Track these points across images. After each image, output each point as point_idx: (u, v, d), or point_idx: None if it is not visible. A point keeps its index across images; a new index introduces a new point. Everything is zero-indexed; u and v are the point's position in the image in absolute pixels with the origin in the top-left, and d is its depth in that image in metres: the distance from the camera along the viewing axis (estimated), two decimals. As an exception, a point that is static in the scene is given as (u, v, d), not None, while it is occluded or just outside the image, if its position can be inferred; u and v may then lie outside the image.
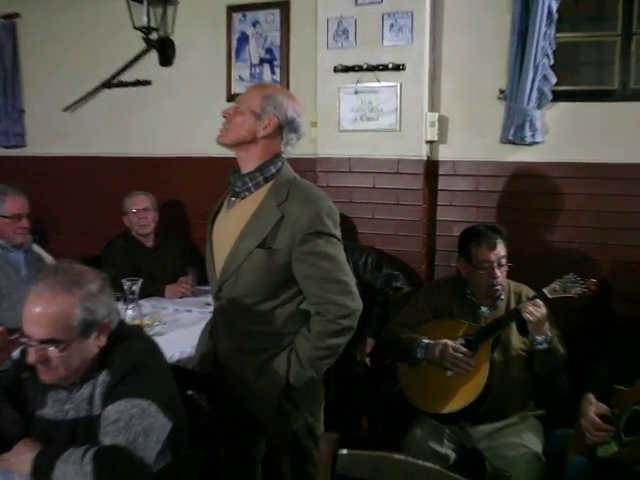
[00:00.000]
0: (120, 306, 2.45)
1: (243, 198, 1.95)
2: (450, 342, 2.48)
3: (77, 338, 1.58)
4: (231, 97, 3.89)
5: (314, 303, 1.89)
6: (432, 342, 2.51)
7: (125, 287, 2.64)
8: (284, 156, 1.99)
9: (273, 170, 1.93)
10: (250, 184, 1.93)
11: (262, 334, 1.95)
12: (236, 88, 3.90)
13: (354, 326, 1.89)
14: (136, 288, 2.65)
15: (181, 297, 3.38)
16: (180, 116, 4.16)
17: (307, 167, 3.62)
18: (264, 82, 1.84)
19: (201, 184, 4.02)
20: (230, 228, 1.95)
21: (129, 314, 2.60)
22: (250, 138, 1.91)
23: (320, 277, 1.85)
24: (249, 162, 1.94)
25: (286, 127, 1.92)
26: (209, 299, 3.09)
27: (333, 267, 1.85)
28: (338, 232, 1.91)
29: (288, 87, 3.79)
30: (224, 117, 1.96)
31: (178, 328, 2.83)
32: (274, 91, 1.94)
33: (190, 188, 4.13)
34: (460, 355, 2.44)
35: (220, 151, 2.02)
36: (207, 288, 3.32)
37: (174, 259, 3.75)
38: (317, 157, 3.56)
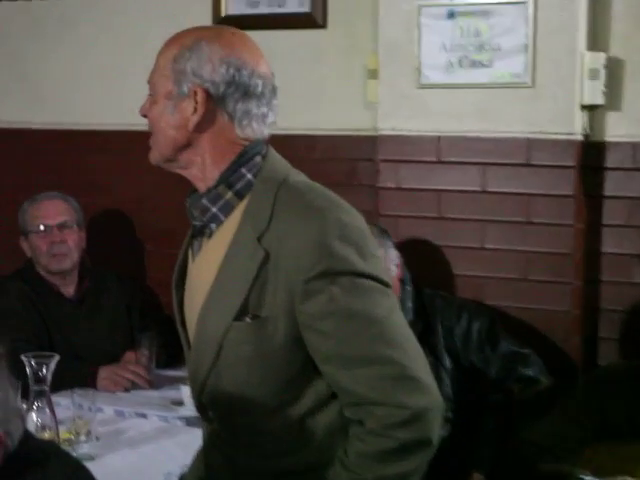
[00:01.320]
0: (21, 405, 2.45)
1: (210, 236, 2.08)
2: None
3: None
4: (221, 23, 3.90)
5: (348, 404, 1.95)
6: None
7: (28, 370, 2.64)
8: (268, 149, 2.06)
9: (249, 176, 2.03)
10: (214, 209, 2.04)
11: (287, 473, 2.03)
12: (229, 5, 4.06)
13: (429, 440, 1.92)
14: (47, 372, 2.66)
15: (127, 390, 3.48)
16: (121, 55, 4.27)
17: (360, 153, 3.76)
18: (180, 32, 1.98)
19: (164, 179, 3.97)
20: (198, 291, 2.07)
21: (34, 419, 2.65)
22: (184, 139, 2.04)
23: (347, 357, 1.90)
24: (205, 177, 2.07)
25: (229, 95, 2.00)
26: (182, 393, 3.19)
27: (368, 334, 1.89)
28: (373, 265, 1.94)
29: (325, 7, 3.89)
30: (144, 116, 2.10)
31: (122, 447, 2.94)
32: (187, 40, 2.03)
33: (143, 186, 4.22)
34: None
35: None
36: (180, 373, 3.43)
37: (114, 319, 3.85)
38: (378, 135, 3.67)
